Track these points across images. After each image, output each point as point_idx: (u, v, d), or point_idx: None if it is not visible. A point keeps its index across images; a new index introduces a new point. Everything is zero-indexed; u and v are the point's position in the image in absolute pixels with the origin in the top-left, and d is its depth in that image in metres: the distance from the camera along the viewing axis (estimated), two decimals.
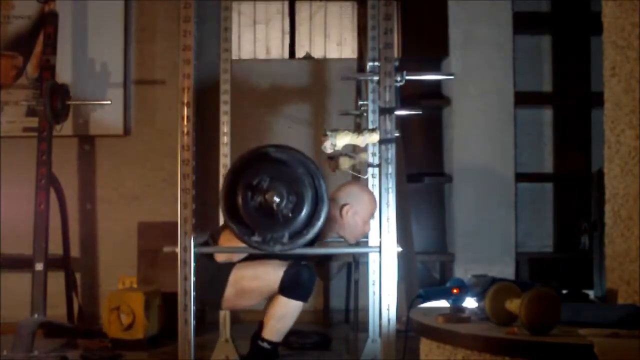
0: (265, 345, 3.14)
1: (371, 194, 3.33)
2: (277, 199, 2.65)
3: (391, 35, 2.66)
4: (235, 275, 3.12)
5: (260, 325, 3.22)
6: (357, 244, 3.68)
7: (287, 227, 2.69)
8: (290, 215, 2.68)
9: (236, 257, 3.09)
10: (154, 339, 4.11)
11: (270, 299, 3.17)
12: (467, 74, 4.89)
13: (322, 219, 2.72)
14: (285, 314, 3.11)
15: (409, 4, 5.13)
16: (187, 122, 2.65)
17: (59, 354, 3.80)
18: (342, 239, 3.38)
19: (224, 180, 2.80)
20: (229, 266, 3.12)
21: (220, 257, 3.10)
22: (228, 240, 3.02)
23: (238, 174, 2.73)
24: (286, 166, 2.73)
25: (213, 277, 3.10)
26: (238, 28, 5.42)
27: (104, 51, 4.96)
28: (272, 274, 3.09)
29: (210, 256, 3.10)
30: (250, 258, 3.12)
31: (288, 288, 3.07)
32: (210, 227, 3.36)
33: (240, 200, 2.69)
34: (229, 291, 3.13)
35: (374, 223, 3.36)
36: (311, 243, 3.14)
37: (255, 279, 3.11)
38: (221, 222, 3.44)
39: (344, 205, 3.22)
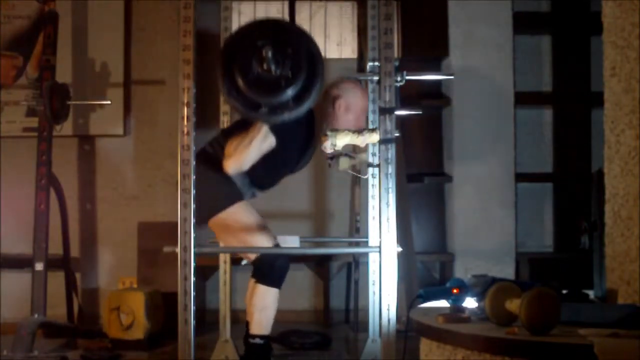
0: (257, 341, 3.16)
1: (364, 90, 3.37)
2: (271, 55, 2.63)
3: (391, 35, 2.67)
4: (233, 213, 3.12)
5: (247, 326, 3.23)
6: (357, 242, 3.68)
7: (290, 89, 2.69)
8: (290, 76, 2.69)
9: (247, 164, 3.04)
10: (154, 339, 4.11)
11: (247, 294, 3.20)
12: (467, 74, 4.88)
13: (320, 77, 2.74)
14: (265, 304, 3.15)
15: (409, 4, 5.12)
16: (187, 122, 2.65)
17: (59, 354, 3.79)
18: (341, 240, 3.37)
19: (219, 60, 2.77)
20: (231, 195, 3.11)
21: (230, 168, 3.05)
22: (234, 147, 3.02)
23: (233, 48, 2.74)
24: (278, 33, 2.75)
25: (212, 189, 3.05)
26: None
27: (104, 51, 4.96)
28: (258, 239, 3.11)
29: (218, 167, 3.05)
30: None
31: (261, 270, 3.12)
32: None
33: (239, 77, 2.69)
34: (221, 216, 3.11)
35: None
36: (310, 134, 3.16)
37: (243, 231, 3.12)
38: None
39: (336, 98, 3.24)
